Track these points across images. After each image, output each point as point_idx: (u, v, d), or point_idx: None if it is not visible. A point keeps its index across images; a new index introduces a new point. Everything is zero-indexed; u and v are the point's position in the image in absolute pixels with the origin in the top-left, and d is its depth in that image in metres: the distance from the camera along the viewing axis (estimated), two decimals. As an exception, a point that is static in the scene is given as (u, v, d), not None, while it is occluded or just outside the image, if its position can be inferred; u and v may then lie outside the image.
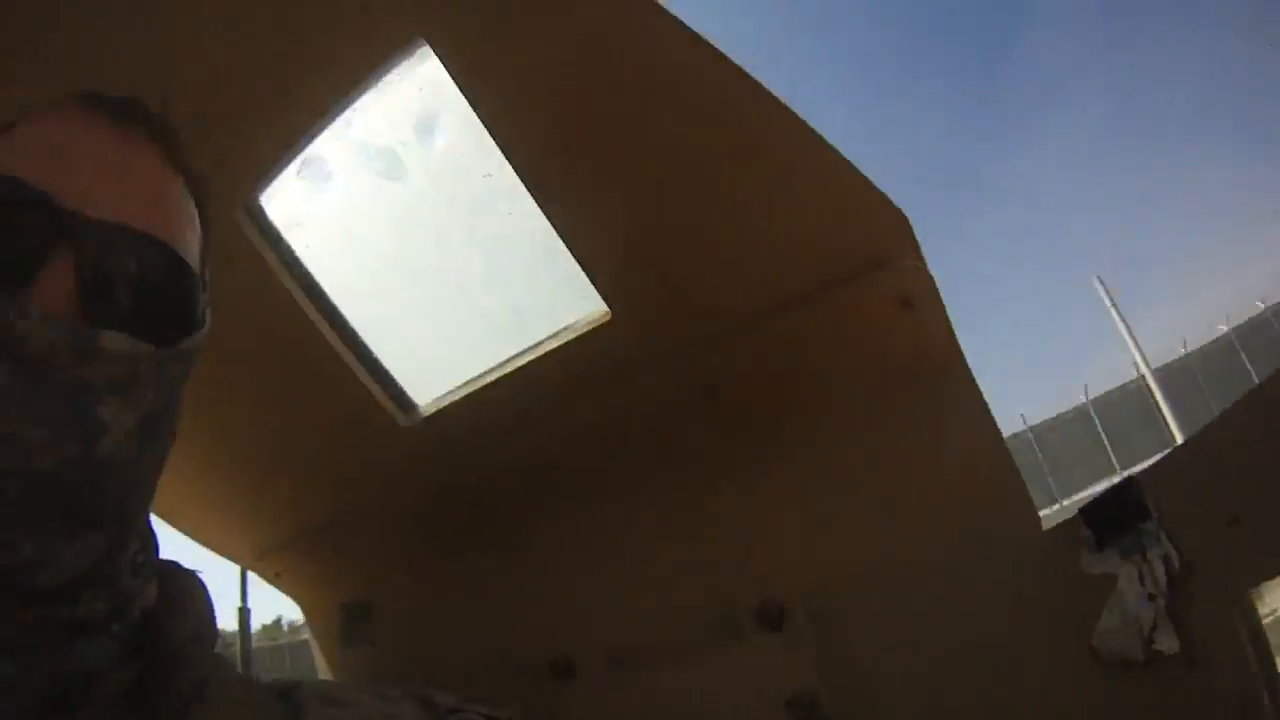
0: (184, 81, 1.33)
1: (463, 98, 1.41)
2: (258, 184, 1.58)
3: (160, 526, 0.69)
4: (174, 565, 0.71)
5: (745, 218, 1.38)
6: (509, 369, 1.57)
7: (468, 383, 1.64)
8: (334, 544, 2.04)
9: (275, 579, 2.36)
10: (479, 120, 1.47)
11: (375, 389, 1.68)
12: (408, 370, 1.75)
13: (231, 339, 1.81)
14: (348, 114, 1.47)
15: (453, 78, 1.38)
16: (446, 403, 1.64)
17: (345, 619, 2.09)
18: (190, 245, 0.67)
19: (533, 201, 1.45)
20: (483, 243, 1.67)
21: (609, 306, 1.45)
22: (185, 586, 0.69)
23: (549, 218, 1.43)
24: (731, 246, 1.41)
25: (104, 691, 0.59)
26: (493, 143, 1.40)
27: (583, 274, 1.47)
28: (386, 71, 1.36)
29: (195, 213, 0.69)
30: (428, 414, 1.67)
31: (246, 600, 10.76)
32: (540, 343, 1.57)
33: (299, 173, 1.61)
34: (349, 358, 1.67)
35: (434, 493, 1.78)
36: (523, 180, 1.53)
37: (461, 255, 1.71)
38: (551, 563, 1.70)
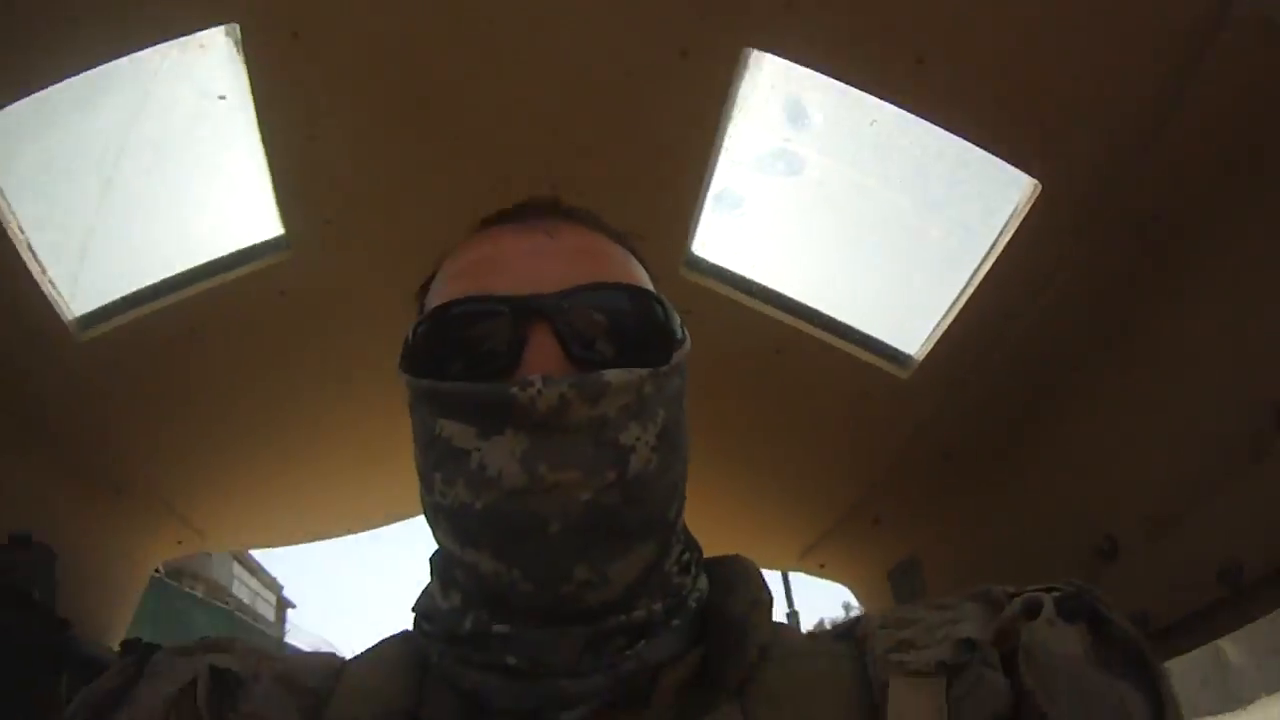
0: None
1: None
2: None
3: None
4: (732, 556, 0.78)
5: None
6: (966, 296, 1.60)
7: (936, 327, 1.70)
8: (873, 514, 2.13)
9: (820, 570, 2.51)
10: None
11: (865, 355, 1.77)
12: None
13: (720, 376, 1.93)
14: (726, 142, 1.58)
15: None
16: (932, 347, 1.69)
17: (896, 581, 2.17)
18: (636, 273, 0.73)
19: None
20: (900, 182, 1.69)
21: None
22: (737, 567, 0.76)
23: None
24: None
25: (672, 679, 0.65)
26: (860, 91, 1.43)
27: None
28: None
29: (639, 267, 0.75)
30: (920, 360, 1.73)
31: (792, 604, 11.03)
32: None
33: (710, 210, 1.71)
34: (834, 339, 1.80)
35: (943, 434, 1.83)
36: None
37: (886, 204, 1.74)
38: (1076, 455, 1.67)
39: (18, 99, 1.32)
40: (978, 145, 1.41)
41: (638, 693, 0.63)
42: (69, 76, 1.33)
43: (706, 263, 1.80)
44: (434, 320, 0.69)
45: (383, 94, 1.55)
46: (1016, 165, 1.39)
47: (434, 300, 0.72)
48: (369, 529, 2.69)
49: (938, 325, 1.63)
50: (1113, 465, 1.55)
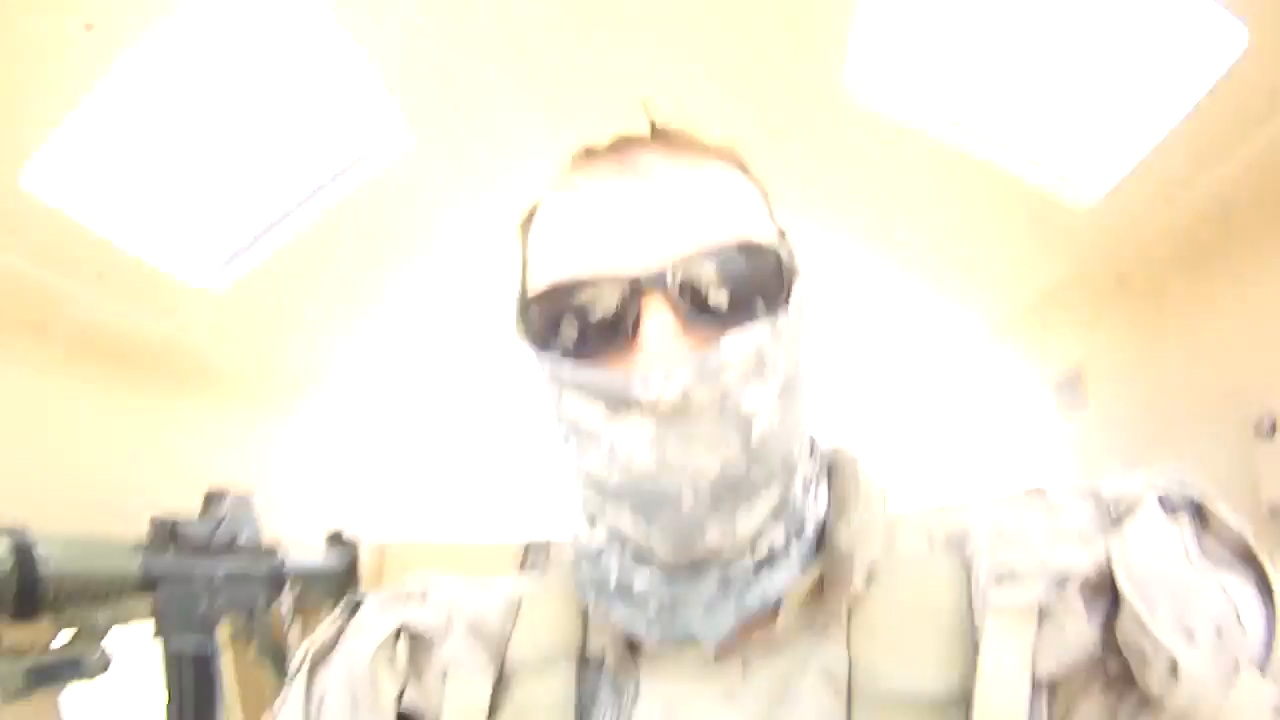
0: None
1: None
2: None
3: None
4: (837, 453, 0.81)
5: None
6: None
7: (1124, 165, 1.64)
8: (1043, 320, 2.16)
9: (999, 359, 2.59)
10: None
11: (1049, 180, 1.74)
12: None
13: (898, 182, 2.03)
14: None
15: None
16: (1118, 182, 1.64)
17: (1062, 391, 2.21)
18: (747, 214, 0.73)
19: None
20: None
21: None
22: (850, 484, 0.77)
23: None
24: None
25: (794, 599, 0.69)
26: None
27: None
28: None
29: (742, 187, 0.74)
30: (1104, 195, 1.68)
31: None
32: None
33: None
34: (996, 151, 1.76)
35: (1120, 261, 1.81)
36: None
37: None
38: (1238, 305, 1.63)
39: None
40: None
41: (764, 613, 0.69)
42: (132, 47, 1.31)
43: (871, 77, 1.74)
44: (541, 302, 0.71)
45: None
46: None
47: (537, 255, 0.74)
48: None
49: (1126, 164, 1.59)
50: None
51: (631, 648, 0.75)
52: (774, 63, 1.73)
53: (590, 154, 0.74)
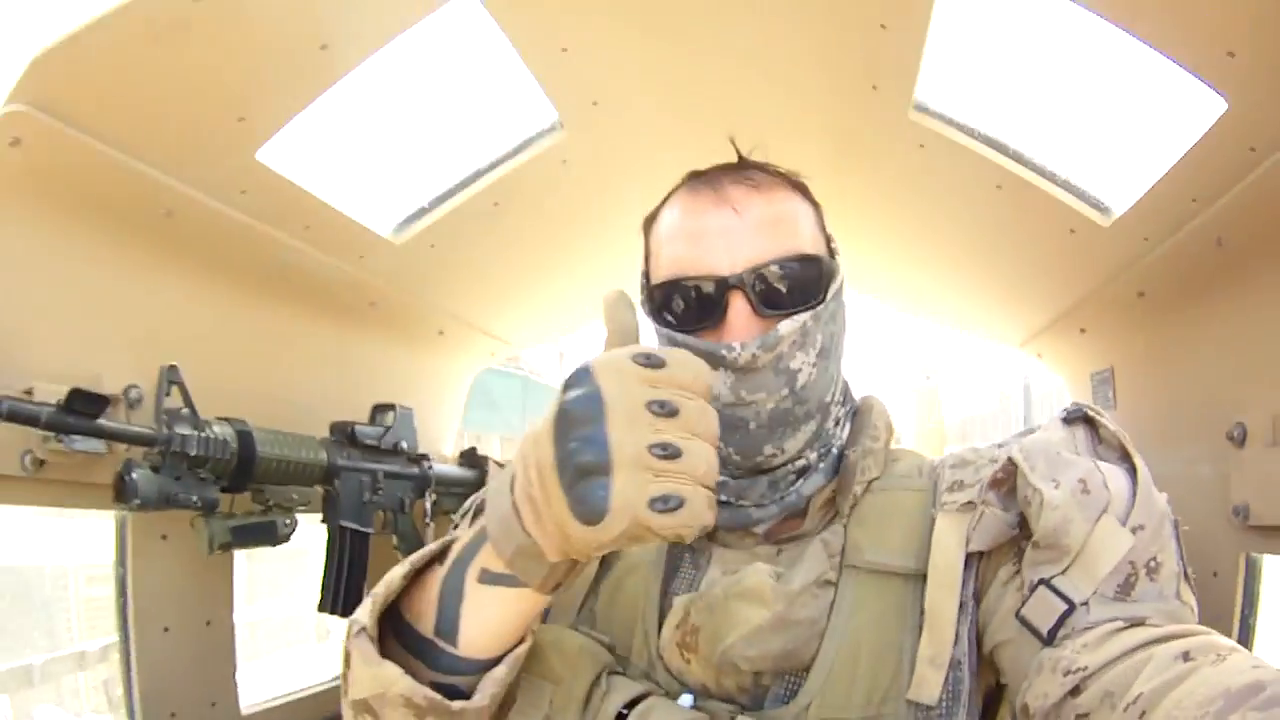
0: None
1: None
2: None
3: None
4: (865, 397, 1.12)
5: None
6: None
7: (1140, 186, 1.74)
8: (1081, 323, 2.32)
9: (1039, 358, 2.77)
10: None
11: (1073, 200, 1.88)
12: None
13: (948, 199, 2.20)
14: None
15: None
16: (1135, 203, 1.75)
17: (1096, 386, 2.37)
18: (803, 233, 1.00)
19: None
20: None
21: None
22: (866, 419, 1.08)
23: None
24: None
25: (819, 500, 1.01)
26: None
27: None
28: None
29: (807, 210, 1.03)
30: (1121, 214, 1.81)
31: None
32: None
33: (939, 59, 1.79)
34: (1046, 183, 1.89)
35: (1137, 277, 1.94)
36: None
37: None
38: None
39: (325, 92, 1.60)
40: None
41: (798, 510, 1.00)
42: (356, 67, 1.59)
43: (932, 108, 1.91)
44: (666, 288, 0.98)
45: (613, 18, 1.75)
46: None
47: (656, 251, 1.03)
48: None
49: (1139, 186, 1.73)
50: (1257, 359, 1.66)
51: (709, 531, 0.94)
52: (850, 97, 1.94)
53: (694, 179, 1.03)
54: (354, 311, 2.20)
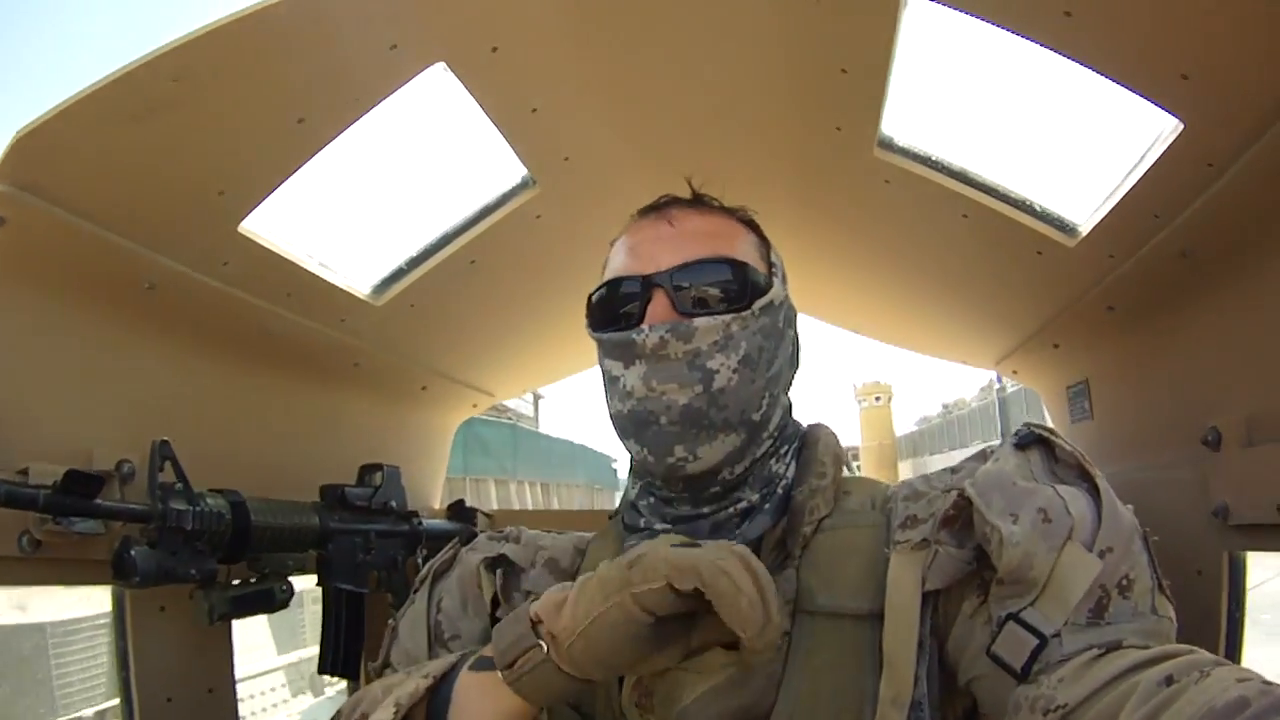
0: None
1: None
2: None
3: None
4: (811, 427, 1.11)
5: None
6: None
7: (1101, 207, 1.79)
8: (1054, 339, 2.38)
9: (1014, 376, 2.84)
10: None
11: (1037, 224, 1.93)
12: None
13: (915, 231, 2.27)
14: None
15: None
16: (1098, 222, 1.80)
17: (1072, 399, 2.45)
18: (738, 246, 1.03)
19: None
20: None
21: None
22: (813, 453, 1.06)
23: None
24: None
25: (769, 541, 0.99)
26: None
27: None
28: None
29: (747, 234, 1.07)
30: (1086, 233, 1.86)
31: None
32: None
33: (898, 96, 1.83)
34: (1010, 209, 1.95)
35: (1106, 293, 1.98)
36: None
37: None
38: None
39: (303, 164, 1.64)
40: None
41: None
42: (333, 139, 1.64)
43: (897, 144, 1.98)
44: (600, 293, 1.03)
45: (579, 77, 1.81)
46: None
47: (607, 270, 1.06)
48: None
49: (1102, 206, 1.78)
50: (1226, 364, 1.70)
51: None
52: (815, 140, 2.02)
53: (645, 209, 1.09)
54: (338, 373, 2.25)
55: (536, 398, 28.16)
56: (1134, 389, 2.11)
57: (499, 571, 1.11)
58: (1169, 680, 0.69)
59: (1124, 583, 0.82)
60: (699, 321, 0.95)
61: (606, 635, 0.78)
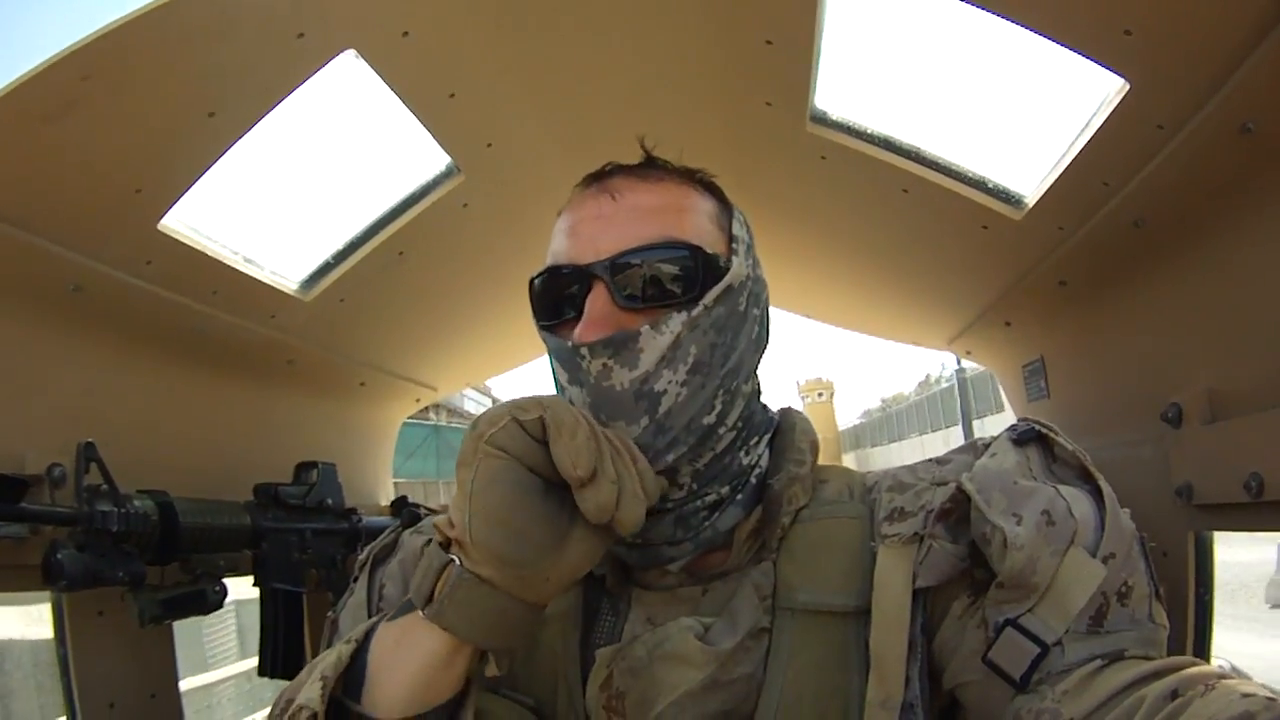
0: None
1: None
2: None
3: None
4: (784, 412, 1.05)
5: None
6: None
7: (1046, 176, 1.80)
8: (1006, 317, 2.40)
9: (967, 355, 2.85)
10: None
11: (981, 196, 1.93)
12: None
13: (855, 209, 2.30)
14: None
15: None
16: (1044, 193, 1.80)
17: (1028, 377, 2.45)
18: (688, 223, 0.92)
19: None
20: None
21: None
22: (787, 439, 1.00)
23: None
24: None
25: (743, 531, 0.94)
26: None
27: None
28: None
29: (701, 203, 0.95)
30: (1032, 204, 1.86)
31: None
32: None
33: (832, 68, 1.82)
34: (952, 182, 1.95)
35: (1056, 266, 1.98)
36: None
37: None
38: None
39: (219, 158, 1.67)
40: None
41: (720, 544, 0.93)
42: (246, 131, 1.66)
43: (831, 118, 1.98)
44: (539, 281, 0.94)
45: (498, 61, 1.83)
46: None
47: (549, 252, 0.96)
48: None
49: (1049, 175, 1.75)
50: (1185, 337, 1.69)
51: (625, 573, 0.97)
52: (746, 115, 2.04)
53: (589, 177, 0.97)
54: (272, 371, 2.29)
55: (494, 401, 29.13)
56: (1091, 366, 2.12)
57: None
58: (1174, 694, 0.67)
59: (1123, 589, 0.80)
60: (644, 337, 0.86)
61: (494, 494, 0.74)
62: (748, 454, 0.96)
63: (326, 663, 0.80)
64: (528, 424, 0.75)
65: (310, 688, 0.78)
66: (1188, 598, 1.69)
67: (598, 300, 0.88)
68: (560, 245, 0.94)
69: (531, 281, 0.95)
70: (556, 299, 0.92)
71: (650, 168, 0.97)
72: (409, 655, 0.78)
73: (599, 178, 0.96)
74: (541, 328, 0.95)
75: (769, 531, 0.94)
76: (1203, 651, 1.72)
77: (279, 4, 1.47)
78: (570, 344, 0.87)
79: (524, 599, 0.77)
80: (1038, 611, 0.78)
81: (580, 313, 0.89)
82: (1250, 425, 1.45)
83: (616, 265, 0.88)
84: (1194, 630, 1.69)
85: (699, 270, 0.90)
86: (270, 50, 1.54)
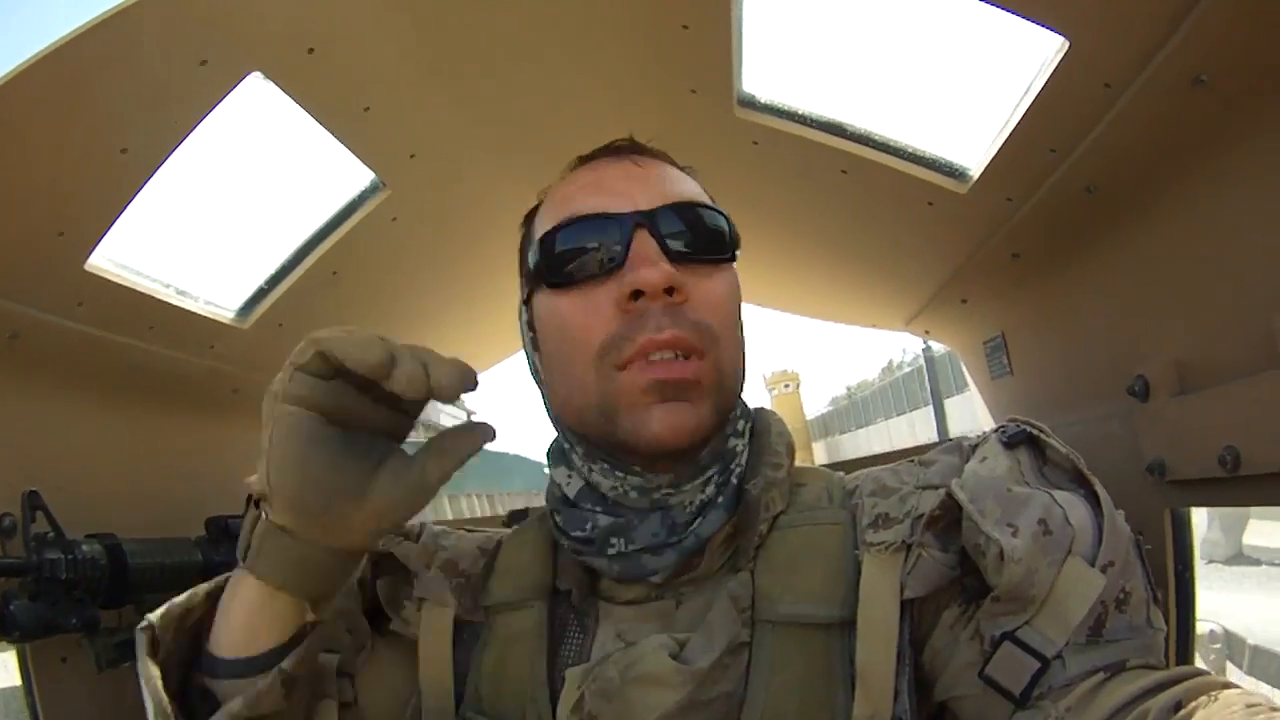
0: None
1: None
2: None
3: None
4: (758, 413, 1.05)
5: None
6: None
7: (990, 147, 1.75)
8: (962, 294, 2.38)
9: (926, 335, 2.84)
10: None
11: (924, 172, 1.91)
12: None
13: (792, 193, 2.29)
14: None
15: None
16: (987, 164, 1.77)
17: (989, 354, 2.45)
18: (700, 194, 0.98)
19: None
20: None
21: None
22: (765, 433, 1.01)
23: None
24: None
25: (718, 540, 0.93)
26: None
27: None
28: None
29: (701, 188, 1.01)
30: (977, 177, 1.82)
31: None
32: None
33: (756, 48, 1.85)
34: (892, 159, 1.94)
35: (1008, 239, 1.95)
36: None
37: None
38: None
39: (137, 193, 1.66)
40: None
41: (697, 551, 0.92)
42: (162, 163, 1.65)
43: (759, 101, 1.98)
44: (562, 232, 0.92)
45: (411, 70, 1.83)
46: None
47: (548, 221, 0.96)
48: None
49: (992, 144, 1.71)
50: (1149, 306, 1.65)
51: (591, 586, 0.96)
52: (671, 104, 2.03)
53: (599, 150, 1.01)
54: (217, 402, 2.29)
55: (469, 414, 29.38)
56: (1052, 340, 2.08)
57: (378, 582, 1.07)
58: (1178, 706, 0.66)
59: (1121, 596, 0.78)
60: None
61: (287, 447, 0.75)
62: (735, 439, 0.97)
63: (181, 596, 0.87)
64: (308, 365, 0.75)
65: (157, 612, 0.84)
66: (1167, 575, 1.65)
67: (647, 246, 0.89)
68: (583, 201, 0.94)
69: (545, 236, 0.94)
70: (579, 253, 0.91)
71: (647, 148, 1.02)
72: (238, 603, 0.83)
73: (612, 150, 1.00)
74: (551, 287, 0.95)
75: (745, 539, 0.93)
76: (1186, 628, 1.69)
77: (180, 33, 1.47)
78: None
79: (330, 545, 0.80)
80: (1036, 624, 0.77)
81: (616, 265, 0.90)
82: (1221, 396, 1.40)
83: (663, 214, 0.91)
84: (1175, 606, 1.67)
85: (727, 236, 0.95)
86: (175, 80, 1.55)
